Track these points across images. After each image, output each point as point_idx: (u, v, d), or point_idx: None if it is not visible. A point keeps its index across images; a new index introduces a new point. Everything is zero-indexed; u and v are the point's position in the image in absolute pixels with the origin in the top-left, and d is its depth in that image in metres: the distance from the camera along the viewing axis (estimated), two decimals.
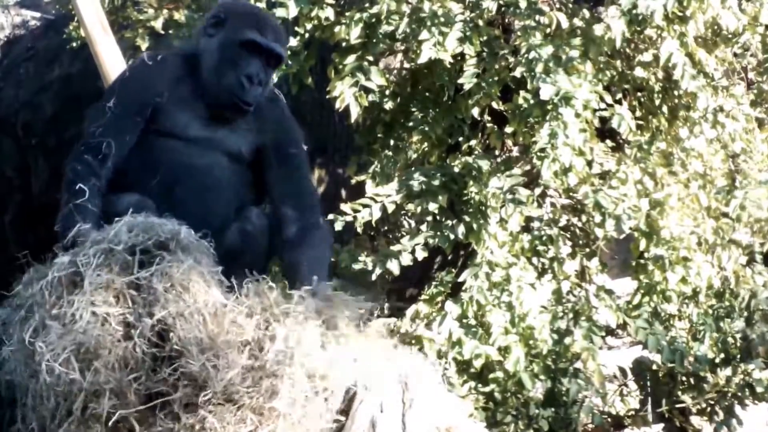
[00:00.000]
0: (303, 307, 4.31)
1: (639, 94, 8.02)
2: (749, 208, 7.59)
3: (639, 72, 7.77)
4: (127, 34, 9.23)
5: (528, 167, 7.64)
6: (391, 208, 7.47)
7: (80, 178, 4.81)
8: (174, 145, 4.99)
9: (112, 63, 6.61)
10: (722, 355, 7.66)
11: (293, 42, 7.60)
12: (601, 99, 7.30)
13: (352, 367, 4.31)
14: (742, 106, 7.58)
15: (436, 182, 7.42)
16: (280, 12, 7.32)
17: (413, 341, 7.13)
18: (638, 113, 7.88)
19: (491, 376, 7.15)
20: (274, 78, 5.76)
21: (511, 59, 7.40)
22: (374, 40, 7.49)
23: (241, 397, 4.06)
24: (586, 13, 7.55)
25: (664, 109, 7.88)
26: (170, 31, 9.08)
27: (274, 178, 5.15)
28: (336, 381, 4.26)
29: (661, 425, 8.06)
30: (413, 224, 8.45)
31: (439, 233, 7.32)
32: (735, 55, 8.11)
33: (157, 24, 9.22)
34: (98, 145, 4.90)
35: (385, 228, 9.26)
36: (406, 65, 8.15)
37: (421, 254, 7.34)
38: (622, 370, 8.06)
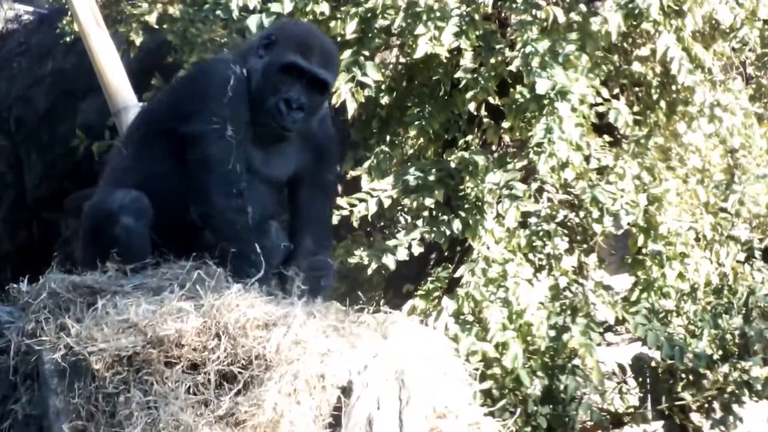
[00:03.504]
0: (302, 309, 4.35)
1: (636, 89, 8.00)
2: (748, 203, 7.58)
3: (636, 67, 7.75)
4: (121, 29, 9.21)
5: (525, 162, 7.62)
6: (387, 202, 7.46)
7: (240, 218, 4.80)
8: None
9: (106, 57, 6.59)
10: (720, 352, 7.64)
11: None
12: (598, 94, 7.29)
13: (348, 363, 4.31)
14: (739, 100, 7.55)
15: (432, 177, 7.42)
16: (275, 7, 7.30)
17: None
18: (636, 108, 7.85)
19: (489, 372, 7.13)
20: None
21: (508, 54, 7.38)
22: (370, 35, 7.47)
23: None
24: (583, 7, 7.52)
25: (662, 103, 7.85)
26: (164, 26, 9.05)
27: (303, 199, 5.16)
28: (332, 378, 4.26)
29: (661, 422, 8.05)
30: (409, 220, 8.43)
31: (435, 229, 7.32)
32: (733, 49, 8.07)
33: (151, 18, 9.19)
34: (237, 179, 4.84)
35: (381, 224, 9.24)
36: (402, 60, 8.12)
37: (417, 249, 7.33)
38: (621, 367, 8.03)
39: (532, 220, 7.53)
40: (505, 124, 7.58)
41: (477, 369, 5.64)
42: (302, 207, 5.16)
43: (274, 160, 5.06)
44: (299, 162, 5.12)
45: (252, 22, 7.47)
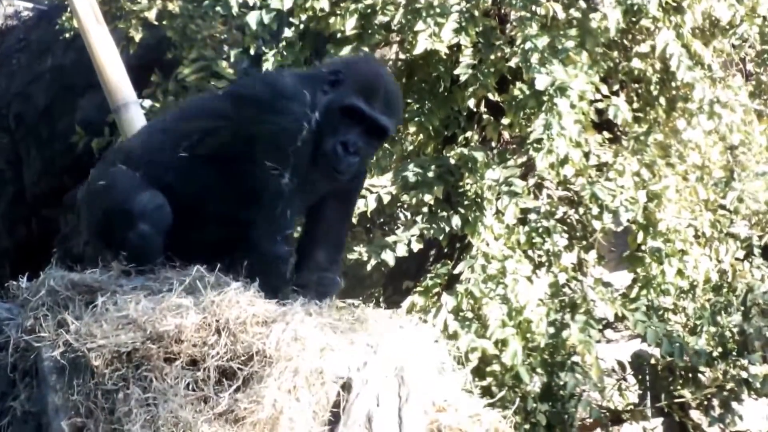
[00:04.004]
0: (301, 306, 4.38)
1: (636, 85, 8.00)
2: (747, 200, 7.59)
3: (636, 63, 7.75)
4: (121, 25, 9.20)
5: (524, 159, 7.62)
6: (386, 199, 7.46)
7: (281, 266, 4.71)
8: None
9: (106, 54, 6.57)
10: (719, 350, 7.63)
11: (288, 33, 7.57)
12: (598, 90, 7.28)
13: (347, 360, 4.31)
14: (739, 97, 7.54)
15: (432, 174, 7.41)
16: (274, 3, 7.30)
17: None
18: (635, 105, 7.85)
19: (488, 369, 7.13)
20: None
21: (508, 50, 7.38)
22: (369, 31, 7.47)
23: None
24: (583, 3, 7.52)
25: (662, 100, 7.86)
26: (164, 22, 9.04)
27: (325, 214, 5.01)
28: (331, 375, 4.26)
29: (660, 420, 8.04)
30: (409, 216, 8.43)
31: (434, 225, 7.32)
32: (733, 46, 8.07)
33: (151, 14, 9.18)
34: (285, 225, 4.74)
35: (381, 220, 9.24)
36: (402, 56, 8.12)
37: (416, 246, 7.32)
38: (621, 364, 8.04)
39: (532, 216, 7.53)
40: (505, 121, 7.58)
41: (467, 360, 5.66)
42: (323, 221, 5.03)
43: (309, 185, 4.89)
44: (333, 187, 4.98)
45: (252, 18, 7.48)
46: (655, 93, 7.87)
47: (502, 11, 7.95)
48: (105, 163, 5.03)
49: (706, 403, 7.81)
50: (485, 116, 7.83)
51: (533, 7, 7.29)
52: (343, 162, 4.76)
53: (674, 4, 7.37)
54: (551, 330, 7.20)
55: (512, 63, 7.22)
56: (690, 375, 7.75)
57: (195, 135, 4.84)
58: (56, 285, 4.45)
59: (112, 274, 4.56)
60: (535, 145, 7.00)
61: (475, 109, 7.80)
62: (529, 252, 7.44)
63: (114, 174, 4.88)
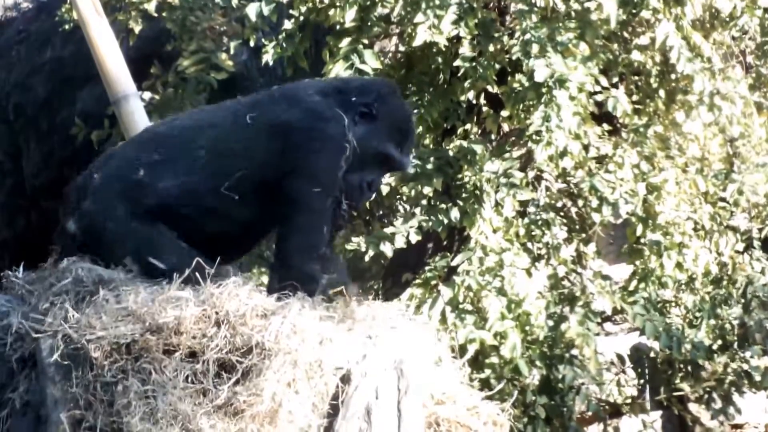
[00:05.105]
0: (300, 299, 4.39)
1: (636, 77, 7.99)
2: (747, 192, 7.58)
3: (635, 55, 7.73)
4: (120, 17, 9.18)
5: (524, 151, 7.61)
6: (385, 191, 7.46)
7: (313, 284, 4.63)
8: None
9: (105, 46, 6.57)
10: (719, 343, 7.63)
11: (288, 25, 7.56)
12: (597, 82, 7.27)
13: (346, 353, 4.33)
14: (739, 89, 7.53)
15: (431, 166, 7.40)
16: None
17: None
18: (635, 97, 7.84)
19: (487, 361, 7.13)
20: None
21: (507, 42, 7.37)
22: (369, 23, 7.46)
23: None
24: None
25: (661, 92, 7.84)
26: (163, 14, 9.03)
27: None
28: (330, 367, 4.27)
29: (659, 413, 8.05)
30: (408, 208, 8.43)
31: (433, 217, 7.31)
32: (733, 38, 8.07)
33: (151, 6, 9.15)
34: (322, 243, 4.71)
35: (380, 212, 9.24)
36: (401, 48, 8.11)
37: (415, 238, 7.31)
38: (620, 357, 8.03)
39: (531, 209, 7.54)
40: (504, 113, 7.58)
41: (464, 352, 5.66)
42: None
43: None
44: None
45: (251, 10, 7.47)
46: (654, 85, 7.86)
47: (502, 3, 7.95)
48: (133, 203, 4.71)
49: (705, 396, 7.80)
50: (484, 108, 7.82)
51: None
52: (362, 199, 4.87)
53: None
54: (550, 323, 7.20)
55: (512, 55, 7.20)
56: (689, 368, 7.74)
57: (236, 173, 4.71)
58: (84, 275, 4.45)
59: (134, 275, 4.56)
60: (534, 137, 6.99)
61: (474, 101, 7.80)
62: (528, 244, 7.44)
63: (152, 232, 4.70)
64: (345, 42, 7.35)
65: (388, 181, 7.46)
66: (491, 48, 7.41)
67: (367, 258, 7.42)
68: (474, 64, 7.35)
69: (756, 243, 7.98)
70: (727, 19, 7.77)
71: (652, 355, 7.87)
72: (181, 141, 4.78)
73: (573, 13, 7.37)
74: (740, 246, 7.86)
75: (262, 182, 4.70)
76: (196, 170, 4.72)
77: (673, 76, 7.75)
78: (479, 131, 7.93)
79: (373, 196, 4.88)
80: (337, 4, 7.40)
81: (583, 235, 7.80)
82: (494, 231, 7.23)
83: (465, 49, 7.36)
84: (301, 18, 7.63)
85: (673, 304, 7.76)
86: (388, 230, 7.41)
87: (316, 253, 4.67)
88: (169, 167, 4.72)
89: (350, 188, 4.76)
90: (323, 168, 4.67)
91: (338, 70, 7.21)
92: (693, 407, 8.05)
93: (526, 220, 7.43)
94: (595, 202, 7.31)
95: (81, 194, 4.84)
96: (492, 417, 4.51)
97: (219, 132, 4.78)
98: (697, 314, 7.61)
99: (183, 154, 4.76)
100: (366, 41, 7.46)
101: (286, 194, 4.67)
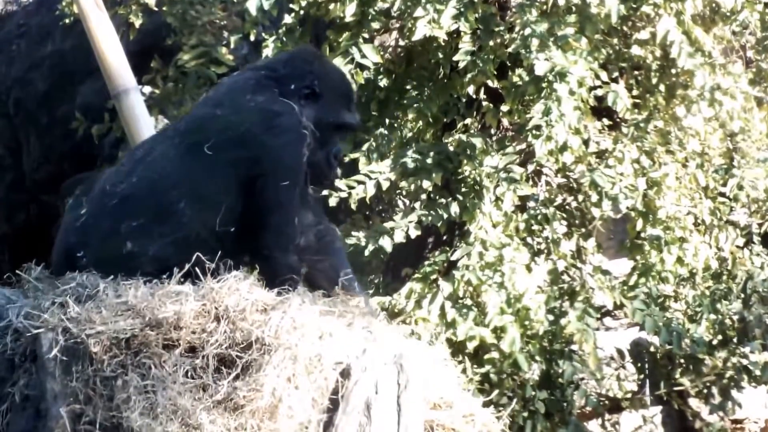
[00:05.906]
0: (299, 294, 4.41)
1: (636, 72, 7.99)
2: (747, 187, 7.58)
3: (636, 50, 7.73)
4: (121, 11, 9.19)
5: (523, 146, 7.61)
6: (385, 185, 7.46)
7: (298, 274, 4.71)
8: None
9: (105, 39, 6.57)
10: (719, 338, 7.63)
11: (288, 19, 7.57)
12: (597, 77, 7.27)
13: (346, 348, 4.32)
14: (739, 84, 7.53)
15: (431, 160, 7.41)
16: None
17: (407, 320, 7.11)
18: (635, 91, 7.84)
19: (486, 357, 7.13)
20: None
21: (507, 36, 7.36)
22: (369, 18, 7.47)
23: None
24: None
25: (662, 87, 7.83)
26: (164, 8, 9.04)
27: None
28: (330, 362, 4.27)
29: (659, 408, 8.04)
30: (408, 203, 8.43)
31: (433, 212, 7.30)
32: (733, 33, 8.06)
33: (151, 0, 9.16)
34: (296, 234, 4.77)
35: (380, 207, 9.24)
36: (401, 43, 8.11)
37: (414, 232, 7.32)
38: (620, 352, 8.02)
39: (531, 203, 7.53)
40: (504, 108, 7.57)
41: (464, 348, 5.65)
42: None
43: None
44: None
45: (252, 4, 7.46)
46: (655, 80, 7.85)
47: None
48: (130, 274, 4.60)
49: (705, 391, 7.80)
50: (484, 103, 7.82)
51: None
52: (334, 172, 4.95)
53: None
54: (550, 317, 7.20)
55: (512, 49, 7.20)
56: (689, 363, 7.74)
57: (221, 207, 4.70)
58: (89, 284, 4.45)
59: None
60: (534, 131, 6.99)
61: (474, 96, 7.79)
62: (528, 239, 7.44)
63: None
64: (345, 36, 7.36)
65: (387, 175, 7.46)
66: (491, 42, 7.40)
67: (366, 252, 7.41)
68: (474, 58, 7.35)
69: (756, 238, 7.98)
70: (728, 14, 7.76)
71: (652, 350, 7.85)
72: (157, 202, 4.69)
73: (573, 8, 7.37)
74: (740, 241, 7.85)
75: (245, 195, 4.72)
76: (183, 224, 4.67)
77: (673, 71, 7.75)
78: (479, 126, 7.93)
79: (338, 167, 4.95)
80: None
81: (583, 229, 7.78)
82: (494, 226, 7.23)
83: (465, 44, 7.36)
84: (302, 12, 7.63)
85: (674, 299, 7.75)
86: (388, 225, 7.41)
87: (293, 245, 4.73)
88: (155, 230, 4.66)
89: (318, 168, 4.85)
90: (289, 163, 4.72)
91: (338, 64, 7.21)
92: (693, 402, 8.05)
93: (526, 215, 7.43)
94: (595, 197, 7.30)
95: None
96: (487, 426, 4.52)
97: (189, 175, 4.72)
98: (698, 309, 7.60)
99: (164, 213, 4.69)
100: (366, 36, 7.47)
101: (258, 191, 4.69)
